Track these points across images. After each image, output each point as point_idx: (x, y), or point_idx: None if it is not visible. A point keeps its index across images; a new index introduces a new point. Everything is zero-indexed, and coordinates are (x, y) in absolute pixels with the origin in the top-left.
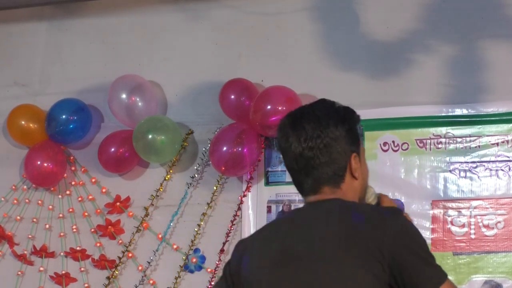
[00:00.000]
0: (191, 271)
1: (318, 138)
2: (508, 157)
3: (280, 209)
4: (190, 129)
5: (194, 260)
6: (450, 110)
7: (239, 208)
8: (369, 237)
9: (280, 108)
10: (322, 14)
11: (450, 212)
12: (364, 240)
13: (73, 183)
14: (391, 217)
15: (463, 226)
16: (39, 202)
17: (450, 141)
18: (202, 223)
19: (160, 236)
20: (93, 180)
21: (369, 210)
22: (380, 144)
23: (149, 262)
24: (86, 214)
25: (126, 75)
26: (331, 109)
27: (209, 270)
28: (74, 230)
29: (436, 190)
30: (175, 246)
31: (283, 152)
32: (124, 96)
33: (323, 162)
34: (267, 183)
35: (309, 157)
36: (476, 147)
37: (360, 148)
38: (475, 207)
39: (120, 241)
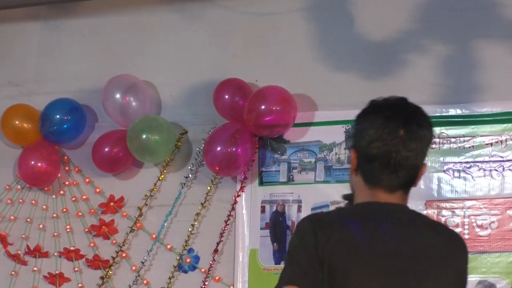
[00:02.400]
0: (185, 271)
1: (422, 140)
2: (502, 157)
3: (274, 209)
4: (184, 129)
5: (188, 260)
6: (444, 110)
7: (233, 208)
8: (458, 259)
9: (274, 108)
10: (317, 14)
11: (444, 212)
12: (455, 262)
13: (67, 183)
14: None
15: (457, 226)
16: (33, 202)
17: (444, 141)
18: (196, 223)
19: (154, 236)
20: (87, 180)
21: (445, 228)
22: None
23: (143, 262)
24: (80, 214)
25: (120, 75)
26: (424, 112)
27: (203, 270)
28: (68, 230)
29: (430, 190)
30: (169, 246)
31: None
32: (118, 96)
33: (413, 164)
34: (261, 183)
35: (406, 157)
36: (470, 147)
37: None
38: (469, 207)
39: (114, 241)
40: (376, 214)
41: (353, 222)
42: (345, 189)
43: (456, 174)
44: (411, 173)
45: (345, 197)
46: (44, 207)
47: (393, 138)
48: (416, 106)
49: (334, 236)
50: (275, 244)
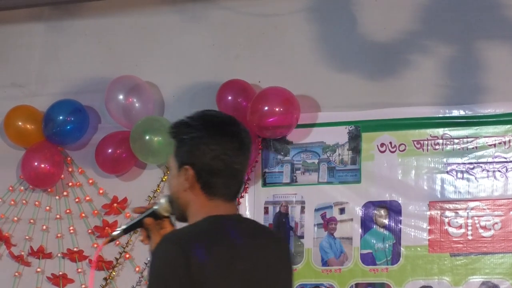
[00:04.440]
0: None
1: (249, 150)
2: (505, 158)
3: (277, 210)
4: None
5: None
6: (447, 111)
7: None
8: (291, 257)
9: (277, 109)
10: (319, 15)
11: (447, 213)
12: (291, 262)
13: (70, 184)
14: None
15: (460, 227)
16: (36, 203)
17: (447, 142)
18: None
19: None
20: (90, 181)
21: (273, 231)
22: (377, 145)
23: (146, 263)
24: (83, 215)
25: (123, 76)
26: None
27: None
28: (71, 231)
29: (433, 191)
30: None
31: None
32: (121, 97)
33: (244, 176)
34: (265, 184)
35: (241, 170)
36: (473, 148)
37: None
38: (472, 208)
39: (117, 242)
40: (230, 228)
41: (216, 242)
42: (348, 190)
43: (460, 175)
44: (242, 185)
45: (161, 215)
46: (47, 208)
47: (233, 152)
48: (242, 124)
49: (206, 258)
50: None
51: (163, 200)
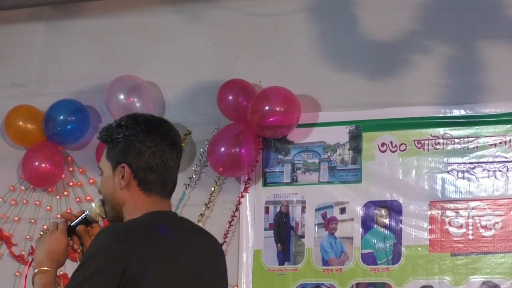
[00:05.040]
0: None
1: (180, 148)
2: (506, 158)
3: (278, 210)
4: (188, 130)
5: None
6: (448, 111)
7: (237, 209)
8: (224, 259)
9: (278, 109)
10: (320, 15)
11: (448, 213)
12: (224, 263)
13: (71, 184)
14: None
15: (461, 227)
16: (37, 203)
17: (448, 142)
18: (200, 224)
19: None
20: (91, 181)
21: (207, 233)
22: (378, 145)
23: None
24: None
25: (124, 76)
26: None
27: None
28: None
29: (434, 191)
30: None
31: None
32: (122, 96)
33: (176, 175)
34: (265, 184)
35: (175, 167)
36: (474, 148)
37: None
38: (473, 208)
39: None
40: (167, 224)
41: (157, 237)
42: (349, 189)
43: (460, 174)
44: (176, 182)
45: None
46: (48, 208)
47: (168, 149)
48: (171, 123)
49: (146, 252)
50: (279, 244)
51: (93, 205)
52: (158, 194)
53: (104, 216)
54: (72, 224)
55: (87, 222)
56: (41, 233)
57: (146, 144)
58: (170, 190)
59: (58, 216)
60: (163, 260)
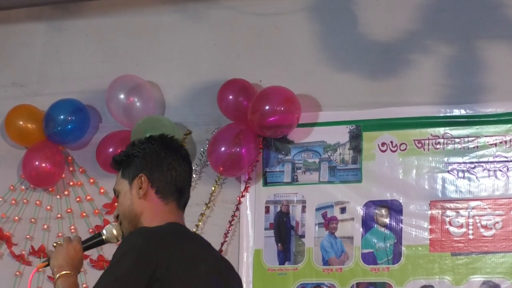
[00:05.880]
0: None
1: (191, 164)
2: (506, 157)
3: (278, 209)
4: (188, 130)
5: None
6: (448, 110)
7: (237, 209)
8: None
9: (278, 108)
10: (320, 15)
11: (448, 212)
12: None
13: (71, 183)
14: None
15: (461, 226)
16: (37, 202)
17: (448, 142)
18: (200, 223)
19: None
20: (91, 180)
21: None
22: (378, 145)
23: None
24: (84, 214)
25: (124, 75)
26: None
27: None
28: (72, 230)
29: (434, 191)
30: None
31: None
32: (122, 96)
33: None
34: (265, 183)
35: (190, 184)
36: (474, 147)
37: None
38: (473, 208)
39: (118, 242)
40: (189, 235)
41: (183, 243)
42: (349, 189)
43: (461, 174)
44: (189, 196)
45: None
46: (48, 207)
47: (183, 164)
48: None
49: (175, 255)
50: (279, 244)
51: (112, 227)
52: (175, 202)
53: (120, 238)
54: (86, 243)
55: (102, 242)
56: (54, 244)
57: (162, 155)
58: (185, 201)
59: (59, 216)
60: (187, 269)
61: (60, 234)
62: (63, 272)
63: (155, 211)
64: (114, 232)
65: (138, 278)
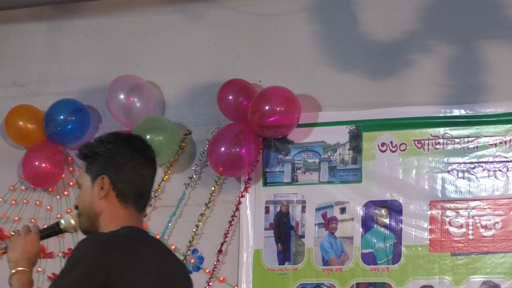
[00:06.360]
0: (189, 272)
1: (156, 164)
2: (506, 157)
3: (278, 209)
4: (188, 130)
5: (192, 260)
6: (448, 110)
7: (237, 209)
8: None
9: (278, 108)
10: (320, 15)
11: (448, 212)
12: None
13: (71, 183)
14: None
15: (461, 226)
16: (37, 202)
17: (448, 142)
18: (200, 223)
19: (158, 236)
20: None
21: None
22: (378, 145)
23: None
24: None
25: (124, 76)
26: None
27: (207, 270)
28: None
29: (434, 191)
30: (173, 247)
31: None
32: (122, 96)
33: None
34: (265, 183)
35: (152, 185)
36: (474, 147)
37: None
38: (473, 208)
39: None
40: (146, 239)
41: (137, 248)
42: (349, 189)
43: (460, 174)
44: (150, 198)
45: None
46: (48, 207)
47: (148, 166)
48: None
49: (128, 261)
50: (279, 244)
51: (70, 216)
52: (134, 207)
53: (77, 229)
54: (44, 232)
55: (59, 232)
56: (13, 233)
57: (127, 157)
58: (144, 203)
59: (59, 216)
60: (140, 274)
61: (60, 235)
62: (19, 269)
63: (114, 214)
64: (72, 222)
65: (89, 284)
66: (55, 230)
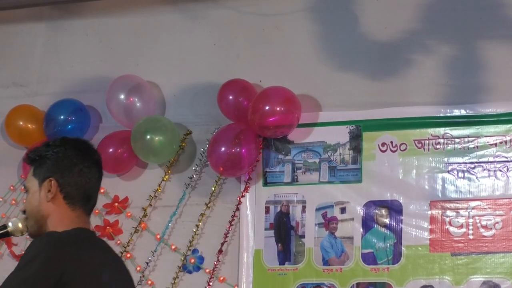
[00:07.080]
0: (189, 272)
1: (101, 168)
2: (506, 157)
3: (278, 209)
4: (188, 130)
5: (193, 260)
6: (448, 110)
7: (237, 209)
8: None
9: (278, 108)
10: (321, 15)
11: (448, 212)
12: None
13: None
14: None
15: (461, 226)
16: None
17: (448, 142)
18: (200, 223)
19: (158, 236)
20: None
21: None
22: (378, 145)
23: (147, 263)
24: None
25: (124, 76)
26: None
27: (207, 270)
28: None
29: (434, 191)
30: (173, 247)
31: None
32: (122, 96)
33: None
34: (265, 183)
35: (98, 188)
36: (474, 147)
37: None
38: (473, 208)
39: (118, 242)
40: (95, 241)
41: (89, 250)
42: (349, 189)
43: (461, 174)
44: (96, 200)
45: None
46: None
47: (94, 169)
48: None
49: (82, 261)
50: (279, 244)
51: (17, 220)
52: (82, 209)
53: (24, 233)
54: None
55: (6, 235)
56: None
57: (74, 161)
58: (92, 206)
59: None
60: (93, 275)
61: None
62: None
63: (62, 216)
64: (20, 226)
65: (44, 281)
66: (2, 232)
